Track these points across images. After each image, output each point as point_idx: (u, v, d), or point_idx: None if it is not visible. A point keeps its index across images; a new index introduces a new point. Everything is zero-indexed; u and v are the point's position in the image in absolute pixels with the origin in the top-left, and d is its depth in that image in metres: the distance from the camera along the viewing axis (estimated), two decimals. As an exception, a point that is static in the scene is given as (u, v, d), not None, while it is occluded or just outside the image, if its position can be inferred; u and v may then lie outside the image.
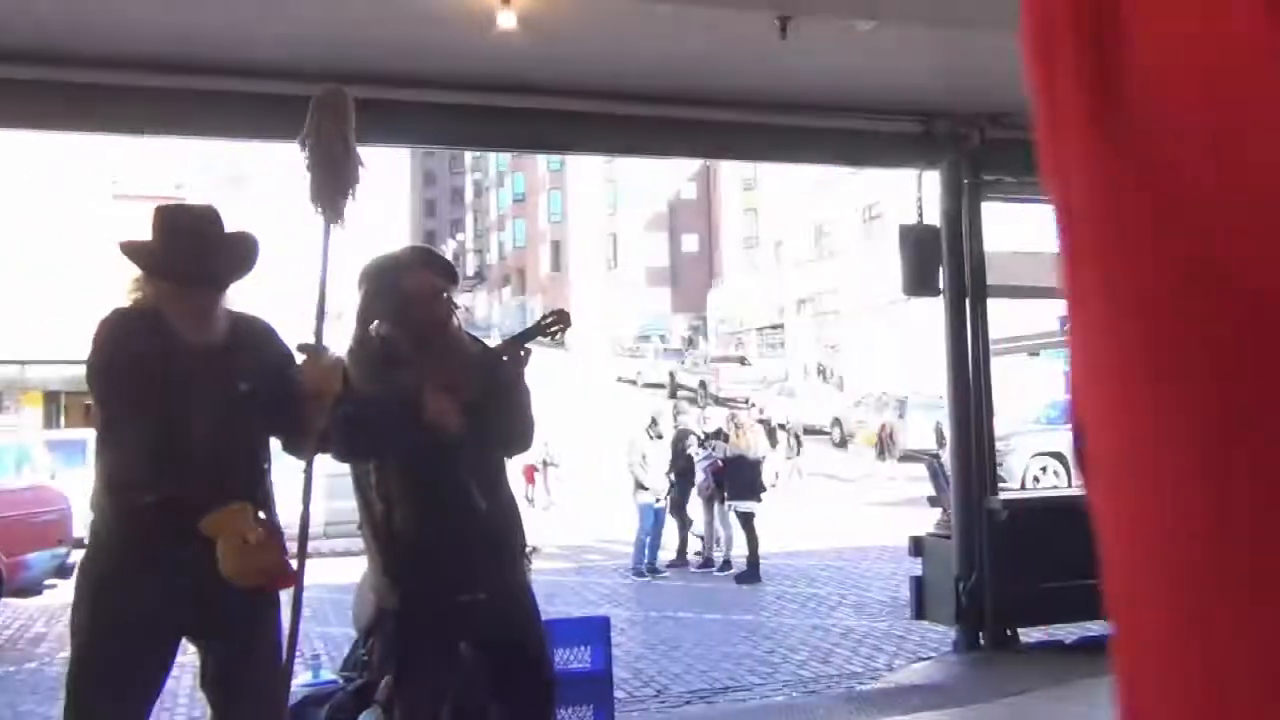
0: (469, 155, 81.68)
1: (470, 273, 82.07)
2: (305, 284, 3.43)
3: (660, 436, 12.48)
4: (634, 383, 40.25)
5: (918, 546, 7.48)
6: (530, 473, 16.86)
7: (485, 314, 68.00)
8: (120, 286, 2.90)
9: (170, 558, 2.76)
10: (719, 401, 29.66)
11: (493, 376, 3.36)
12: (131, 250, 2.88)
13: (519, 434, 3.52)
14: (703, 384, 35.22)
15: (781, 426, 23.23)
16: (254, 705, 2.92)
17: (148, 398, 2.73)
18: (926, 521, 7.85)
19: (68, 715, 2.78)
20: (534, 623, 3.56)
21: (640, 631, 9.06)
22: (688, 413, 13.35)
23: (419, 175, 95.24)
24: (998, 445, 18.41)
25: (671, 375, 38.11)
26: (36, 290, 20.02)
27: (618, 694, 6.84)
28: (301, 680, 5.66)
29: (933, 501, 7.97)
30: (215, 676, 2.93)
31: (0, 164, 22.08)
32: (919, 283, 7.31)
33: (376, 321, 3.37)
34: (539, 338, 3.65)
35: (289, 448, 3.07)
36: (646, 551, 11.93)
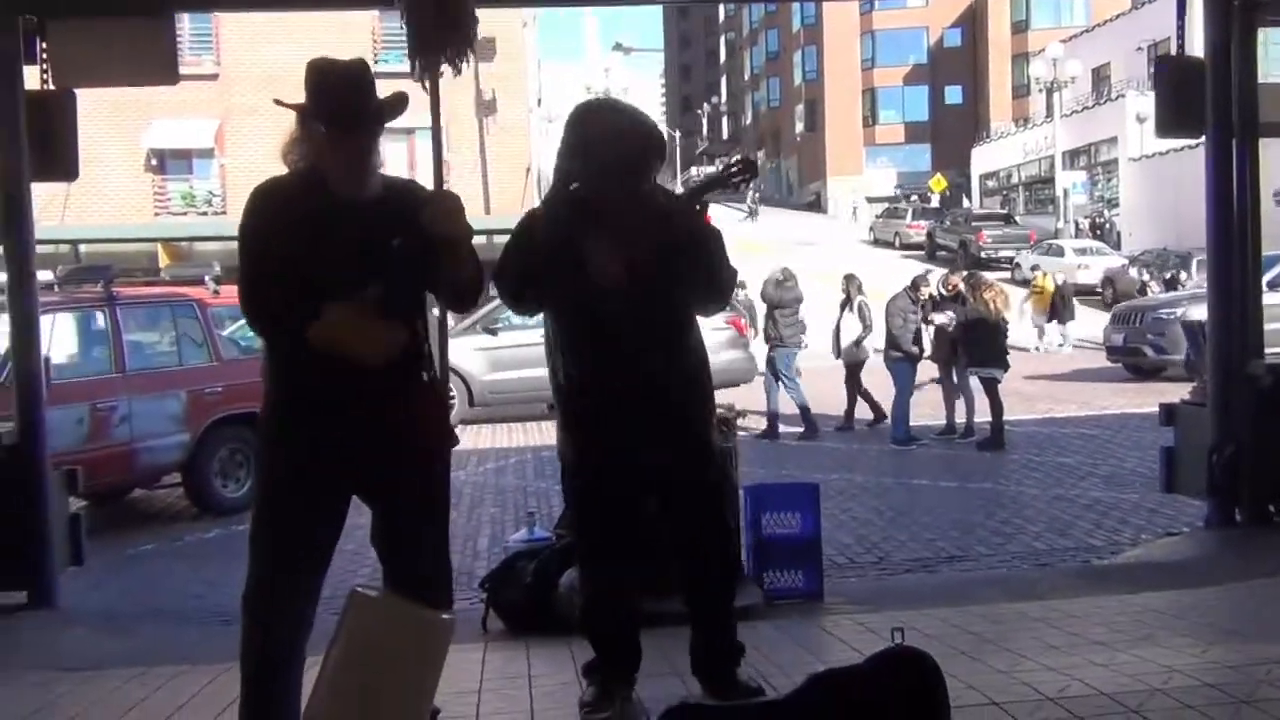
0: (722, 13, 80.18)
1: (725, 136, 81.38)
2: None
3: (917, 301, 12.06)
4: (891, 245, 39.07)
5: (1169, 414, 6.88)
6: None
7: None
8: (278, 148, 2.95)
9: (333, 415, 2.84)
10: (979, 263, 28.32)
11: (670, 229, 3.24)
12: (289, 103, 2.92)
13: (705, 290, 3.38)
14: (963, 244, 33.71)
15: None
16: (419, 560, 3.00)
17: (295, 256, 2.79)
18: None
19: (250, 568, 2.95)
20: (714, 486, 3.47)
21: (871, 498, 8.88)
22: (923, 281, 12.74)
23: (674, 39, 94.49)
24: (1163, 314, 16.75)
25: (930, 236, 36.70)
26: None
27: (839, 559, 6.77)
28: (517, 536, 5.91)
29: (1188, 366, 7.29)
30: (382, 531, 3.03)
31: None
32: (1177, 121, 6.55)
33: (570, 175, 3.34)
34: (721, 188, 3.48)
35: (442, 301, 3.07)
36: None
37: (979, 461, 10.42)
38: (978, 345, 11.14)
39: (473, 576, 6.16)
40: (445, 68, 3.10)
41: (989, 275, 13.20)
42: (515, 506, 8.89)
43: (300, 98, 2.87)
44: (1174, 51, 6.86)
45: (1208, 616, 4.40)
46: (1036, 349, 21.70)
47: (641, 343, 3.26)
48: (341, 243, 2.83)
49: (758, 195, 51.11)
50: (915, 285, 12.28)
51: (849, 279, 13.08)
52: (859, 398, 12.67)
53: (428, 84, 3.08)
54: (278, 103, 2.99)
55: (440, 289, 3.00)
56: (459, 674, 3.17)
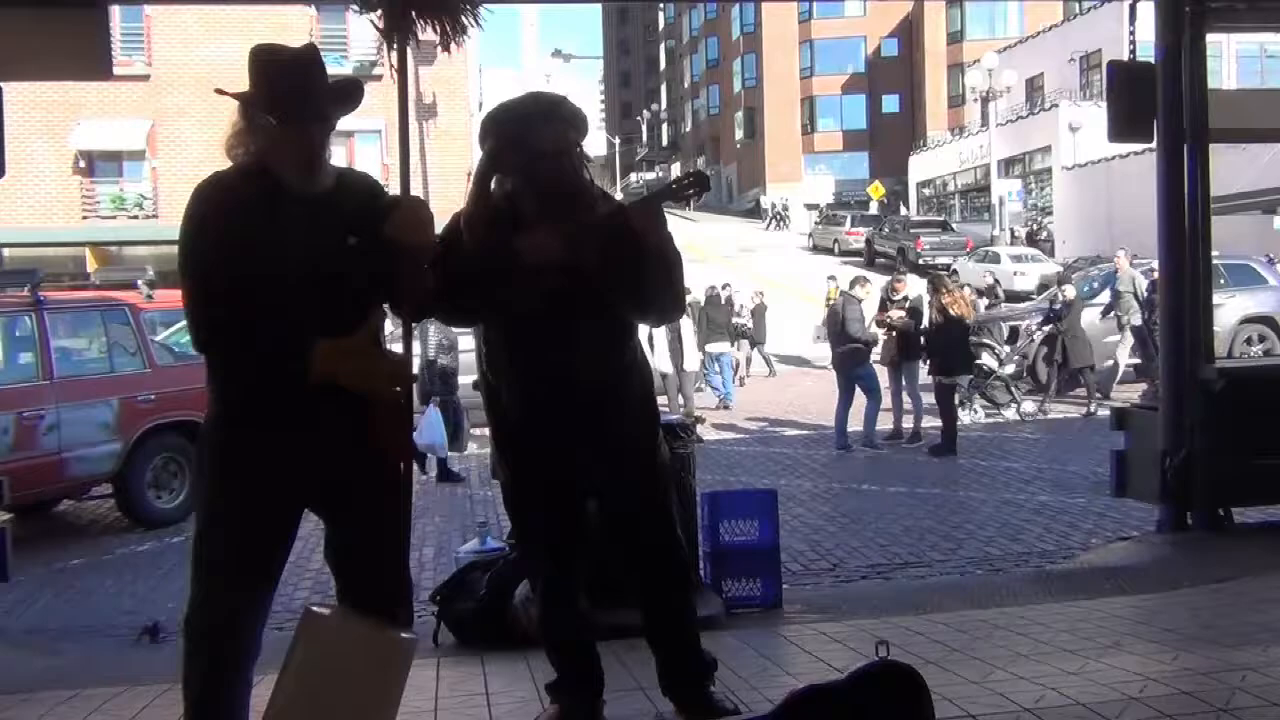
0: (662, 20, 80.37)
1: (665, 143, 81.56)
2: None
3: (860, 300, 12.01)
4: (831, 251, 39.30)
5: (1121, 419, 6.90)
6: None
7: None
8: (221, 141, 2.76)
9: (284, 427, 2.67)
10: (918, 269, 28.58)
11: (618, 239, 3.03)
12: (233, 93, 2.73)
13: (652, 301, 3.14)
14: (901, 251, 33.98)
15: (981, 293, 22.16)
16: (377, 575, 2.83)
17: (243, 255, 2.61)
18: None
19: (194, 589, 2.76)
20: (656, 499, 3.24)
21: (822, 504, 8.83)
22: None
23: (614, 46, 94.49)
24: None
25: (869, 242, 36.96)
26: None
27: (793, 567, 6.69)
28: (468, 546, 5.75)
29: (1139, 371, 7.33)
30: (337, 545, 2.85)
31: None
32: (1128, 127, 6.57)
33: (498, 179, 3.14)
34: (672, 200, 3.34)
35: (395, 309, 2.90)
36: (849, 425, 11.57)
37: (929, 467, 10.43)
38: (947, 350, 11.06)
39: (419, 588, 5.97)
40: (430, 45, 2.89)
41: (949, 280, 13.19)
42: (461, 515, 8.71)
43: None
44: (1125, 57, 6.89)
45: (1171, 622, 4.36)
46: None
47: (566, 351, 3.05)
48: (293, 237, 2.66)
49: (786, 204, 50.88)
50: (856, 284, 12.15)
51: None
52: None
53: (394, 74, 2.88)
54: (220, 92, 2.80)
55: (400, 297, 2.83)
56: (412, 692, 3.01)
